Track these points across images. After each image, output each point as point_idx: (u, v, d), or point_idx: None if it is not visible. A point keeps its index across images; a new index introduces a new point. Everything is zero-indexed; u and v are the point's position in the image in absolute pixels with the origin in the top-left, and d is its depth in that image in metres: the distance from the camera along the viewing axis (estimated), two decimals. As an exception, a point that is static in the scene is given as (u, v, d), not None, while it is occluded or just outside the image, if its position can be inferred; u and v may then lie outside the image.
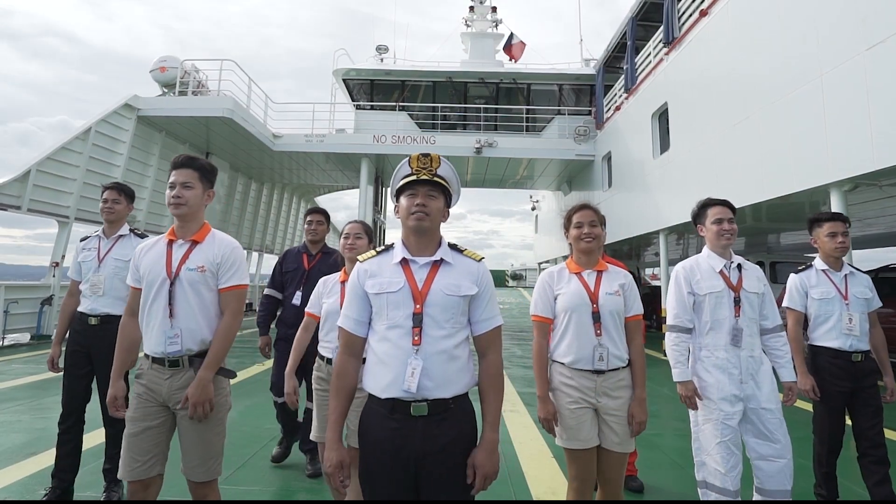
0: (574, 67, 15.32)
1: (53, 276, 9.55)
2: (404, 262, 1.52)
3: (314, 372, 2.48)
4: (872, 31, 4.63)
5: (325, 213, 3.48)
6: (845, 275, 2.73)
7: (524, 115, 14.69)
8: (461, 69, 15.29)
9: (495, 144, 13.50)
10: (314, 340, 2.48)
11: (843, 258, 2.79)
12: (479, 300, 1.53)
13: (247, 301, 16.17)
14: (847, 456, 2.72)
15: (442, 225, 1.58)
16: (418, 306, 1.45)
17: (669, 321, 2.43)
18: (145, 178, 11.54)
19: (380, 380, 1.45)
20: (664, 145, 9.56)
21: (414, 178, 1.53)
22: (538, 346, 2.15)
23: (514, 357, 8.47)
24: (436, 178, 1.54)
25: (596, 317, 2.06)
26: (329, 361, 2.34)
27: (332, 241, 3.56)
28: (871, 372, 2.63)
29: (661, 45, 9.60)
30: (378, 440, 1.44)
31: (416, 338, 1.43)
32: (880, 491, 2.50)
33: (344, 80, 15.07)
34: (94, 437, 2.97)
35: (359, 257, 1.61)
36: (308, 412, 3.15)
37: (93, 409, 2.70)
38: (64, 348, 2.81)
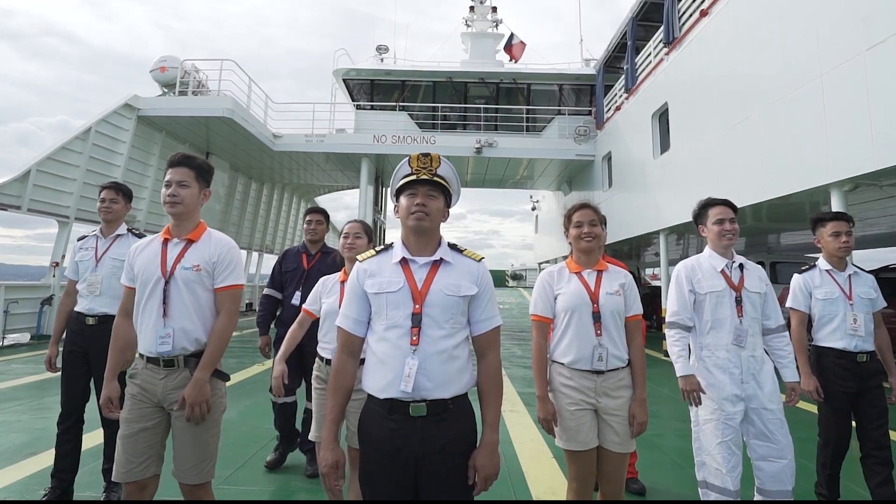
0: (574, 67, 15.32)
1: (53, 276, 9.55)
2: (404, 262, 1.52)
3: (314, 372, 2.47)
4: (872, 31, 4.63)
5: (324, 213, 3.47)
6: (849, 275, 2.71)
7: (524, 115, 14.68)
8: (461, 69, 15.29)
9: (495, 144, 13.50)
10: (314, 341, 2.48)
11: (847, 258, 2.77)
12: (479, 300, 1.53)
13: (247, 301, 16.17)
14: (848, 456, 2.71)
15: (442, 225, 1.58)
16: (417, 306, 1.45)
17: (669, 318, 2.42)
18: (145, 178, 11.54)
19: (378, 380, 1.45)
20: (664, 145, 9.56)
21: (414, 177, 1.53)
22: (537, 346, 2.15)
23: (514, 357, 8.46)
24: (436, 178, 1.53)
25: (596, 317, 2.05)
26: (328, 362, 2.33)
27: (332, 241, 3.56)
28: (876, 373, 2.61)
29: (661, 45, 9.60)
30: (377, 441, 1.44)
31: (413, 338, 1.43)
32: (883, 492, 2.48)
33: (344, 80, 15.07)
34: (93, 438, 2.97)
35: (358, 257, 1.60)
36: (308, 412, 3.15)
37: (92, 409, 2.70)
38: (61, 348, 2.80)
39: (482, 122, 14.54)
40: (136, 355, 1.95)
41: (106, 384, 2.02)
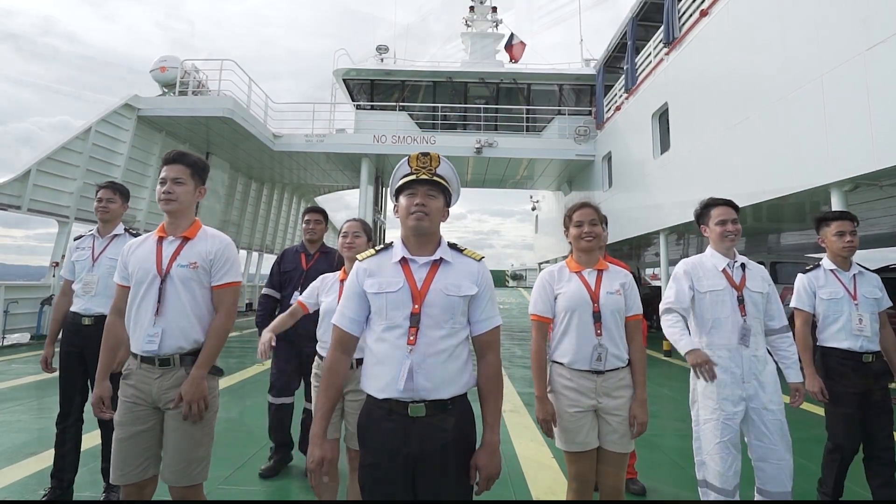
0: (574, 67, 15.31)
1: (53, 276, 9.55)
2: (403, 262, 1.52)
3: (313, 371, 2.47)
4: (872, 31, 4.63)
5: (323, 213, 3.45)
6: (854, 274, 2.69)
7: (524, 115, 14.67)
8: (461, 69, 15.29)
9: (495, 144, 13.49)
10: (313, 341, 2.47)
11: (851, 258, 2.74)
12: (479, 300, 1.52)
13: (247, 301, 16.14)
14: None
15: (442, 225, 1.58)
16: (416, 306, 1.44)
17: (664, 306, 2.38)
18: (145, 178, 11.54)
19: (377, 380, 1.45)
20: (664, 145, 9.56)
21: (413, 177, 1.52)
22: (536, 346, 2.14)
23: (515, 357, 8.46)
24: (435, 178, 1.53)
25: (597, 316, 2.05)
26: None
27: (332, 241, 3.54)
28: (882, 373, 2.59)
29: (661, 45, 9.60)
30: (376, 441, 1.44)
31: (410, 338, 1.42)
32: (885, 493, 2.47)
33: (344, 80, 15.07)
34: (93, 438, 2.97)
35: (358, 256, 1.59)
36: (307, 413, 3.14)
37: (91, 409, 2.70)
38: (58, 349, 2.78)
39: (482, 122, 14.53)
40: (130, 355, 1.92)
41: (97, 384, 1.98)
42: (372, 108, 14.86)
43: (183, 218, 1.98)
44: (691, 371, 2.39)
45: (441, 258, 1.52)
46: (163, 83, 11.57)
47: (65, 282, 2.82)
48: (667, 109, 9.27)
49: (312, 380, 2.46)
